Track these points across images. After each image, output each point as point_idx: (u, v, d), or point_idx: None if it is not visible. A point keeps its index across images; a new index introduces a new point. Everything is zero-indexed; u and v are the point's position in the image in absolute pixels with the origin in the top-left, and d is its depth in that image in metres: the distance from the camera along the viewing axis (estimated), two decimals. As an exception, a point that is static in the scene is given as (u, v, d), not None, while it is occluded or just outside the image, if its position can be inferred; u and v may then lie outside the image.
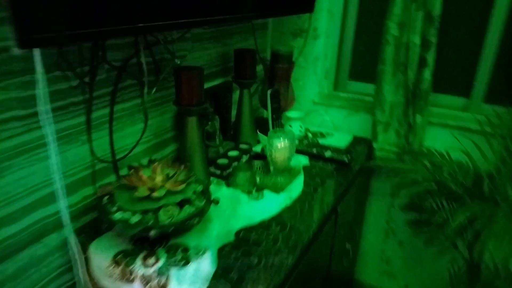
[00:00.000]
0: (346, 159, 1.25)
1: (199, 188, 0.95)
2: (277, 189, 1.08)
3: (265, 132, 1.34)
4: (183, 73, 0.97)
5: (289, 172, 1.17)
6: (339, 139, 1.46)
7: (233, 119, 1.37)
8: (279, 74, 1.44)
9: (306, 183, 1.13)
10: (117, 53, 0.90)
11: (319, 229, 0.99)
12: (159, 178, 0.85)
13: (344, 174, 1.20)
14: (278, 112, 1.39)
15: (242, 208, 1.00)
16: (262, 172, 1.16)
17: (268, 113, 1.37)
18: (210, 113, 1.22)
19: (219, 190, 1.08)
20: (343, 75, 1.64)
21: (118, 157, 0.99)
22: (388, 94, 1.32)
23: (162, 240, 0.86)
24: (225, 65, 1.34)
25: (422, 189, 1.16)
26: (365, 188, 1.53)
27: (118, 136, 0.97)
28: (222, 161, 1.18)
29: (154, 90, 0.93)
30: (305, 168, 1.22)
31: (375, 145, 1.38)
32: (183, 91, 0.99)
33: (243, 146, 1.29)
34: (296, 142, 1.35)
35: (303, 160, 1.28)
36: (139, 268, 0.79)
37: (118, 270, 0.81)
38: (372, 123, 1.39)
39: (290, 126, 1.43)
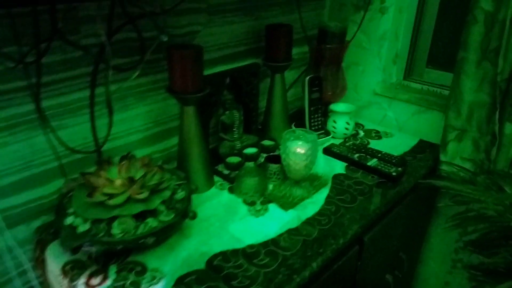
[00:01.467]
0: (393, 173, 0.96)
1: (180, 195, 0.79)
2: (285, 204, 0.87)
3: (301, 127, 1.12)
4: (174, 53, 0.80)
5: (310, 183, 0.94)
6: (398, 143, 1.16)
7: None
8: (326, 56, 1.18)
9: (328, 200, 0.89)
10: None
11: (325, 268, 0.76)
12: (118, 182, 0.71)
13: (387, 192, 0.93)
14: (319, 104, 1.15)
15: (233, 225, 0.81)
16: (278, 179, 0.95)
17: (305, 105, 1.14)
18: (228, 101, 1.04)
19: (218, 196, 0.91)
20: (419, 61, 1.30)
21: (107, 147, 0.87)
22: (468, 91, 0.98)
23: (122, 254, 0.73)
24: (256, 44, 1.13)
25: (495, 228, 0.83)
26: (428, 204, 1.21)
27: (103, 123, 0.85)
28: (232, 159, 1.00)
29: (136, 74, 0.77)
30: (336, 179, 0.97)
31: (442, 156, 1.06)
32: (176, 75, 0.82)
33: (266, 142, 1.09)
34: (334, 141, 1.10)
35: (337, 168, 1.03)
36: (80, 287, 0.67)
37: (66, 282, 0.71)
38: (443, 128, 1.06)
39: (335, 122, 1.17)
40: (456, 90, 1.00)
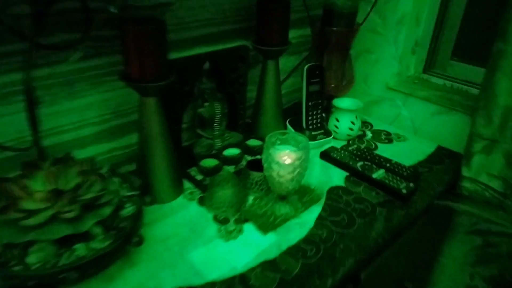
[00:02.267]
0: (403, 189, 0.78)
1: (128, 210, 0.63)
2: (264, 226, 0.70)
3: (297, 125, 0.94)
4: (128, 30, 0.62)
5: (299, 197, 0.77)
6: (412, 149, 0.98)
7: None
8: (332, 41, 0.99)
9: (319, 222, 0.72)
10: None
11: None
12: (39, 195, 0.55)
13: (394, 215, 0.75)
14: (319, 98, 0.96)
15: (195, 252, 0.65)
16: (261, 190, 0.78)
17: (302, 99, 0.95)
18: (208, 91, 0.86)
19: (184, 209, 0.75)
20: (443, 51, 1.10)
21: (50, 142, 0.71)
22: (504, 93, 0.78)
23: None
24: (246, 23, 0.94)
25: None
26: (442, 225, 1.03)
27: (44, 113, 0.69)
28: (208, 162, 0.83)
29: (77, 55, 0.61)
30: (332, 193, 0.80)
31: (465, 171, 0.87)
32: (130, 58, 0.65)
33: (252, 142, 0.92)
34: (336, 144, 0.93)
35: (336, 178, 0.85)
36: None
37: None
38: (468, 135, 0.88)
39: (337, 120, 0.99)
40: (489, 90, 0.81)
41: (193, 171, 0.84)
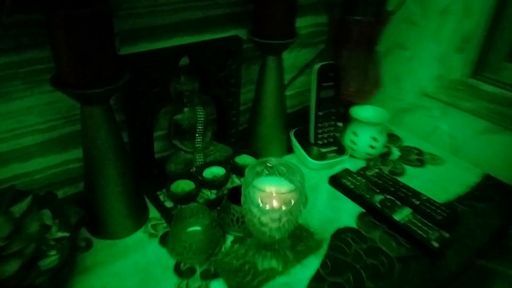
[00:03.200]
0: (435, 242, 0.59)
1: (50, 261, 0.47)
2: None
3: (305, 138, 0.76)
4: (54, 16, 0.45)
5: (292, 243, 0.58)
6: (450, 177, 0.77)
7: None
8: (353, 33, 0.78)
9: (315, 286, 0.54)
10: None
11: None
12: None
13: (418, 275, 0.56)
14: (333, 107, 0.77)
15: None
16: (244, 230, 0.60)
17: (310, 107, 0.76)
18: (187, 93, 0.68)
19: (139, 250, 0.58)
20: (498, 50, 0.87)
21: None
22: None
23: None
24: (241, 7, 0.75)
25: None
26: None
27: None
28: (180, 185, 0.66)
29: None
30: (337, 239, 0.61)
31: (522, 216, 0.66)
32: (61, 55, 0.47)
33: (242, 159, 0.74)
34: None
35: (345, 215, 0.66)
36: None
37: None
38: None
39: (355, 134, 0.79)
40: None
41: (162, 195, 0.67)
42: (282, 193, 0.49)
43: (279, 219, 0.49)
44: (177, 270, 0.55)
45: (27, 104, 0.59)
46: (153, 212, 0.65)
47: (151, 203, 0.66)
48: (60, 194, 0.68)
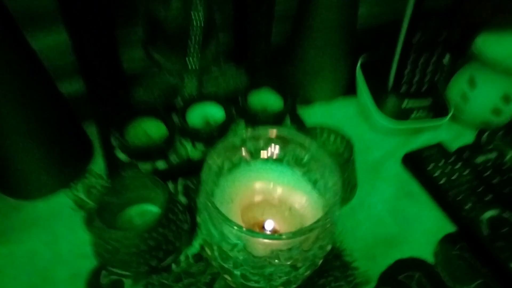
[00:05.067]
0: None
1: None
2: None
3: (380, 77, 0.45)
4: None
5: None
6: None
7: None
8: None
9: None
10: None
11: None
12: None
13: None
14: (442, 27, 0.42)
15: None
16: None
17: (403, 26, 0.42)
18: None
19: (49, 226, 0.36)
20: None
21: None
22: None
23: None
24: None
25: None
26: None
27: None
28: (142, 128, 0.41)
29: None
30: (390, 284, 0.33)
31: None
32: None
33: (258, 97, 0.45)
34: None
35: (418, 238, 0.37)
36: None
37: None
38: None
39: (472, 83, 0.45)
40: None
41: (115, 140, 0.42)
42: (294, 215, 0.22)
43: (287, 273, 0.22)
44: (94, 280, 0.32)
45: None
46: (99, 163, 0.41)
47: (101, 149, 0.42)
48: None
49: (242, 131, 0.25)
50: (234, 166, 0.26)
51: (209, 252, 0.24)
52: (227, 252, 0.22)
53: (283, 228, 0.27)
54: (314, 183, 0.25)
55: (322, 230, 0.21)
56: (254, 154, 0.26)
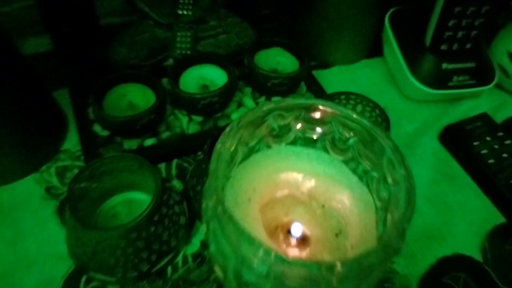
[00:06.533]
0: None
1: None
2: None
3: (414, 31, 0.38)
4: None
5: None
6: None
7: None
8: None
9: None
10: None
11: None
12: None
13: None
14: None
15: None
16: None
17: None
18: None
19: (16, 218, 0.29)
20: None
21: None
22: None
23: None
24: None
25: None
26: None
27: None
28: (126, 95, 0.33)
29: None
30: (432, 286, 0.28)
31: None
32: None
33: (264, 57, 0.37)
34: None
35: (462, 229, 0.31)
36: None
37: None
38: None
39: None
40: None
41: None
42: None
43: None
44: (71, 281, 0.26)
45: None
46: (75, 141, 0.34)
47: (76, 123, 0.34)
48: None
49: (264, 103, 0.18)
50: (252, 152, 0.19)
51: (220, 273, 0.17)
52: (247, 279, 0.16)
53: (314, 233, 0.20)
54: (362, 175, 0.19)
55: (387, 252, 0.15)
56: (279, 135, 0.19)
